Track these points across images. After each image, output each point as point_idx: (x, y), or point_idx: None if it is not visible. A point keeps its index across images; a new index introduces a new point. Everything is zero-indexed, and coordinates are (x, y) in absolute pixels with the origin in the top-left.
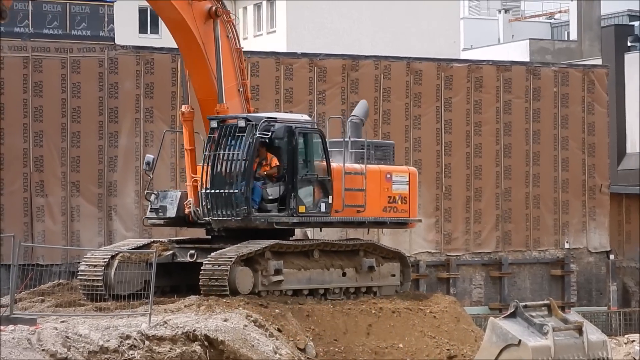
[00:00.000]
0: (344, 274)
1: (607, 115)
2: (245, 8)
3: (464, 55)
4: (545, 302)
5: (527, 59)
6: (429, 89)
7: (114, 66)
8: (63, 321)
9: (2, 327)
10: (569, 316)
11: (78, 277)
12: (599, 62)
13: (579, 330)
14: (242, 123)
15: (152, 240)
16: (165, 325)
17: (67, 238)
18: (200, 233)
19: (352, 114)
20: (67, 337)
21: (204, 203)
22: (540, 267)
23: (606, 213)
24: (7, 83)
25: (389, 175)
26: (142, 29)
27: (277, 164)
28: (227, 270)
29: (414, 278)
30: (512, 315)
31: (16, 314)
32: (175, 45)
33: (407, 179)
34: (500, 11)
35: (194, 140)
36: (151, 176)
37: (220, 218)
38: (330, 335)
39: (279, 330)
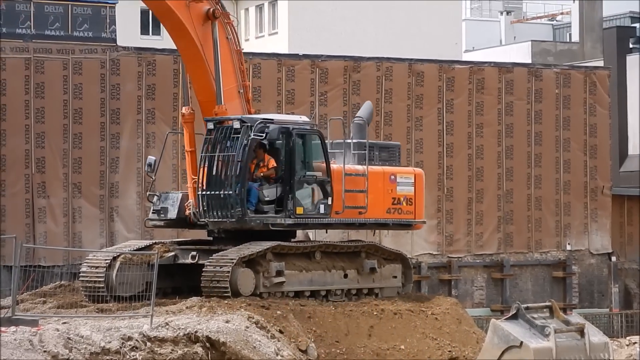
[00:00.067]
0: (345, 276)
1: (608, 117)
2: (247, 9)
3: (466, 57)
4: (547, 303)
5: (529, 61)
6: (431, 90)
7: (115, 67)
8: (65, 322)
9: (4, 329)
10: (571, 318)
11: (80, 279)
12: (600, 63)
13: (581, 332)
14: (237, 124)
15: (153, 241)
16: (167, 326)
17: (69, 239)
18: (201, 234)
19: (356, 115)
20: (69, 338)
21: (200, 204)
22: (542, 268)
23: (608, 215)
24: (9, 84)
25: (393, 177)
26: (144, 30)
27: (275, 165)
28: (228, 271)
29: (416, 280)
30: (514, 317)
31: (18, 315)
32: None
33: (413, 180)
34: (502, 13)
35: (194, 141)
36: (154, 178)
37: (216, 219)
38: (331, 337)
39: (280, 331)
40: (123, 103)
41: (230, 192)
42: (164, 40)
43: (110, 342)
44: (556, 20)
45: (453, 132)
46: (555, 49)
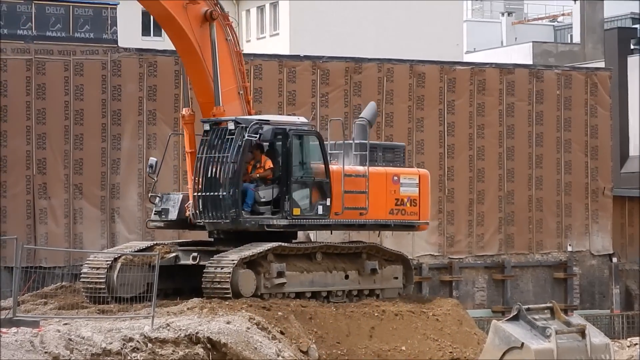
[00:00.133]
0: (346, 277)
1: (610, 118)
2: (248, 11)
3: (467, 58)
4: (548, 305)
5: (530, 62)
6: (432, 91)
7: (117, 69)
8: (66, 324)
9: (5, 330)
10: (572, 319)
11: (81, 280)
12: (602, 65)
13: (582, 333)
14: (231, 125)
15: (154, 242)
16: (168, 327)
17: (70, 240)
18: (202, 235)
19: (359, 116)
20: (70, 339)
21: (197, 205)
22: (543, 270)
23: (609, 216)
24: (10, 85)
25: (396, 178)
26: (145, 31)
27: (271, 166)
28: (229, 272)
29: (417, 281)
30: (515, 318)
31: (19, 316)
32: None
33: (417, 181)
34: (503, 14)
35: (195, 142)
36: (155, 179)
37: (212, 220)
38: (333, 338)
39: (281, 332)
40: (124, 104)
41: (224, 193)
42: (165, 42)
43: (111, 343)
44: (557, 22)
45: (454, 133)
46: (557, 50)
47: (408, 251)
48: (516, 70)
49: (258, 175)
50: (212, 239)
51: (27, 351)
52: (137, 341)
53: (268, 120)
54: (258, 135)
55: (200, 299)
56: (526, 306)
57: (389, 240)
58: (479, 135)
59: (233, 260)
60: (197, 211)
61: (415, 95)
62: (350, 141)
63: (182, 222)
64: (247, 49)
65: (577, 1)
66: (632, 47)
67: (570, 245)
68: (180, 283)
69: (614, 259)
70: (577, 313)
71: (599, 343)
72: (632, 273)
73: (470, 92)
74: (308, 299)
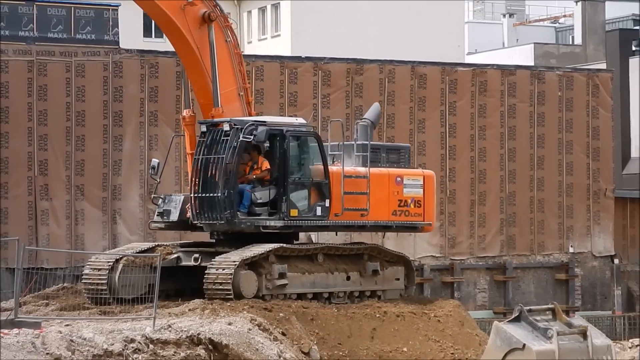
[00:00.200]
0: (348, 278)
1: (611, 120)
2: (249, 12)
3: (469, 60)
4: (550, 306)
5: (532, 63)
6: (434, 93)
7: (118, 70)
8: (67, 325)
9: (6, 331)
10: (574, 320)
11: (82, 281)
12: (603, 66)
13: (584, 334)
14: (226, 127)
15: (156, 244)
16: (170, 328)
17: (72, 242)
18: (204, 237)
19: (363, 117)
20: (72, 340)
21: (194, 207)
22: (545, 271)
23: (610, 217)
24: (12, 87)
25: (399, 179)
26: (147, 32)
27: (268, 167)
28: (231, 274)
29: (418, 282)
30: (517, 319)
31: (20, 317)
32: None
33: (422, 182)
34: (504, 15)
35: (195, 144)
36: (158, 180)
37: (208, 221)
38: (334, 339)
39: (283, 334)
40: (126, 105)
41: (219, 194)
42: (167, 43)
43: (112, 344)
44: (559, 23)
45: (455, 135)
46: (558, 52)
47: (410, 252)
48: (517, 71)
49: (255, 176)
50: (214, 240)
51: (29, 352)
52: (139, 342)
53: (264, 122)
54: (252, 137)
55: (201, 300)
56: (528, 307)
57: (391, 242)
58: (480, 136)
59: (235, 261)
60: (195, 212)
61: (416, 97)
62: (352, 142)
63: (184, 224)
64: (248, 50)
65: (578, 2)
66: (633, 48)
67: (571, 246)
68: (181, 284)
69: (616, 261)
70: (578, 314)
71: (601, 344)
72: (633, 274)
73: (471, 93)
74: (309, 300)
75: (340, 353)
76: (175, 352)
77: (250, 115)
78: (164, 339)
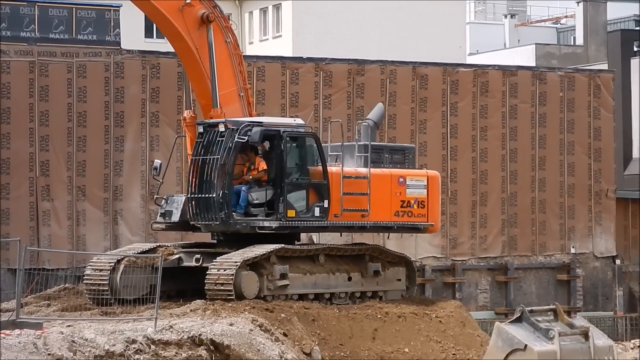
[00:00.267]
0: (349, 279)
1: (613, 120)
2: (251, 13)
3: (470, 60)
4: (551, 307)
5: (533, 64)
6: (435, 93)
7: (119, 70)
8: (69, 325)
9: (8, 332)
10: (575, 321)
11: (84, 282)
12: (605, 67)
13: (585, 335)
14: (222, 128)
15: (157, 244)
16: (171, 329)
17: (73, 242)
18: (206, 237)
19: (366, 117)
20: (73, 341)
21: (191, 207)
22: (546, 272)
23: (612, 218)
24: (13, 87)
25: (402, 179)
26: (148, 33)
27: (265, 168)
28: (232, 274)
29: (420, 283)
30: (518, 320)
31: (22, 318)
32: None
33: (425, 183)
34: (506, 16)
35: None
36: (161, 181)
37: (204, 222)
38: (336, 340)
39: (284, 334)
40: (127, 106)
41: (213, 195)
42: (168, 44)
43: (114, 345)
44: (560, 24)
45: (457, 135)
46: (560, 52)
47: (411, 253)
48: (519, 72)
49: (251, 177)
50: (215, 241)
51: (31, 353)
52: (140, 343)
53: (260, 122)
54: (246, 137)
55: (203, 300)
56: (529, 308)
57: (392, 243)
58: (481, 137)
59: (236, 262)
60: (192, 213)
61: (418, 97)
62: (354, 143)
63: (185, 224)
64: (249, 50)
65: (580, 3)
66: (635, 49)
67: (573, 247)
68: (183, 285)
69: (617, 261)
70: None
71: (602, 345)
72: (635, 275)
73: (473, 94)
74: (311, 300)
75: (342, 354)
76: (176, 353)
77: (250, 115)
78: (166, 339)
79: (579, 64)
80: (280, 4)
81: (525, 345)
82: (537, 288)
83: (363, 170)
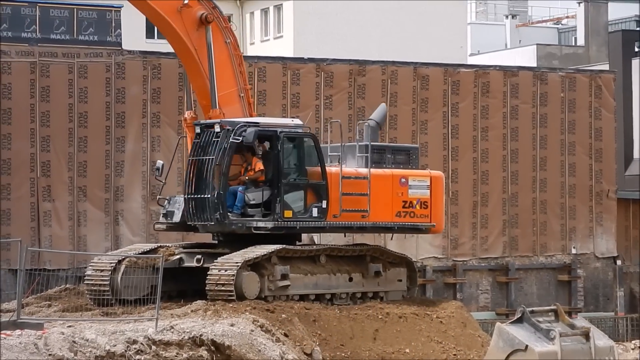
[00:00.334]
0: (350, 279)
1: (614, 121)
2: (252, 13)
3: (471, 61)
4: (552, 307)
5: (534, 64)
6: (436, 94)
7: (121, 71)
8: (70, 326)
9: (9, 332)
10: (576, 322)
11: (85, 282)
12: (606, 67)
13: (586, 335)
14: (217, 128)
15: (158, 245)
16: (172, 330)
17: (74, 243)
18: (206, 238)
19: (369, 118)
20: (74, 341)
21: (188, 207)
22: (547, 272)
23: (613, 218)
24: (15, 88)
25: (403, 180)
26: (149, 34)
27: (261, 168)
28: (233, 275)
29: (421, 283)
30: (519, 321)
31: (23, 318)
32: None
33: (428, 184)
34: (507, 16)
35: None
36: (164, 182)
37: (201, 223)
38: (336, 340)
39: (285, 335)
40: (128, 107)
41: (208, 195)
42: (169, 44)
43: (115, 345)
44: (561, 24)
45: (458, 136)
46: (561, 53)
47: (412, 254)
48: (520, 72)
49: (248, 177)
50: (216, 241)
51: (31, 353)
52: (141, 343)
53: (257, 123)
54: (240, 138)
55: (204, 301)
56: (530, 309)
57: (393, 243)
58: (482, 137)
59: (237, 262)
60: (189, 213)
61: (419, 98)
62: (353, 143)
63: (186, 225)
64: (250, 51)
65: (581, 3)
66: (636, 49)
67: (574, 247)
68: (184, 285)
69: (618, 262)
70: (581, 315)
71: (603, 346)
72: (636, 275)
73: (474, 94)
74: (312, 301)
75: (343, 354)
76: (177, 354)
77: (251, 116)
78: (167, 340)
79: (580, 65)
80: (281, 4)
81: (526, 346)
82: (538, 288)
83: (363, 170)
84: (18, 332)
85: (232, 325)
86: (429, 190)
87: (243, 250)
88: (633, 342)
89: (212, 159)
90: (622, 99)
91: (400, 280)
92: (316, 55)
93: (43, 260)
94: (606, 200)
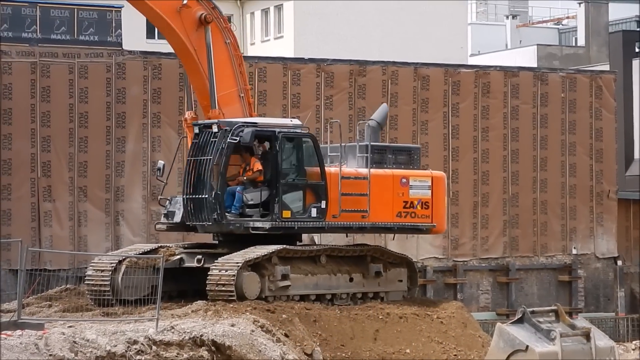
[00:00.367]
0: (351, 280)
1: (614, 121)
2: (252, 13)
3: (472, 61)
4: (553, 307)
5: (535, 65)
6: (437, 94)
7: (121, 71)
8: (70, 326)
9: (10, 332)
10: (577, 322)
11: (85, 282)
12: (606, 67)
13: (587, 336)
14: (215, 128)
15: (159, 245)
16: (173, 330)
17: (75, 243)
18: (207, 238)
19: (370, 118)
20: (75, 342)
21: (187, 208)
22: (548, 272)
23: (614, 219)
24: (15, 88)
25: (404, 180)
26: (150, 34)
27: (260, 168)
28: (234, 275)
29: (421, 283)
30: (520, 321)
31: (24, 319)
32: None
33: (430, 184)
34: (507, 17)
35: None
36: (165, 182)
37: (199, 223)
38: (337, 341)
39: (286, 335)
40: (129, 107)
41: (206, 196)
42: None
43: (115, 345)
44: (562, 24)
45: (458, 136)
46: (561, 53)
47: (412, 254)
48: (521, 73)
49: (246, 177)
50: (217, 242)
51: (32, 354)
52: (142, 344)
53: (255, 123)
54: (238, 138)
55: (204, 301)
56: (531, 309)
57: (394, 243)
58: (483, 138)
59: (237, 262)
60: (187, 213)
61: (419, 98)
62: (355, 143)
63: (187, 225)
64: (251, 51)
65: (581, 4)
66: (636, 49)
67: (574, 248)
68: (184, 285)
69: (619, 262)
70: (581, 316)
71: (604, 346)
72: (636, 276)
73: (474, 94)
74: (312, 301)
75: (343, 354)
76: (178, 354)
77: (251, 116)
78: (167, 340)
79: (581, 65)
80: (281, 4)
81: (527, 346)
82: (539, 289)
83: (363, 170)
84: (19, 332)
85: (232, 325)
86: (430, 191)
87: (243, 250)
88: (634, 342)
89: (210, 159)
90: (622, 100)
91: (401, 281)
92: (316, 55)
93: (43, 260)
94: (607, 201)
